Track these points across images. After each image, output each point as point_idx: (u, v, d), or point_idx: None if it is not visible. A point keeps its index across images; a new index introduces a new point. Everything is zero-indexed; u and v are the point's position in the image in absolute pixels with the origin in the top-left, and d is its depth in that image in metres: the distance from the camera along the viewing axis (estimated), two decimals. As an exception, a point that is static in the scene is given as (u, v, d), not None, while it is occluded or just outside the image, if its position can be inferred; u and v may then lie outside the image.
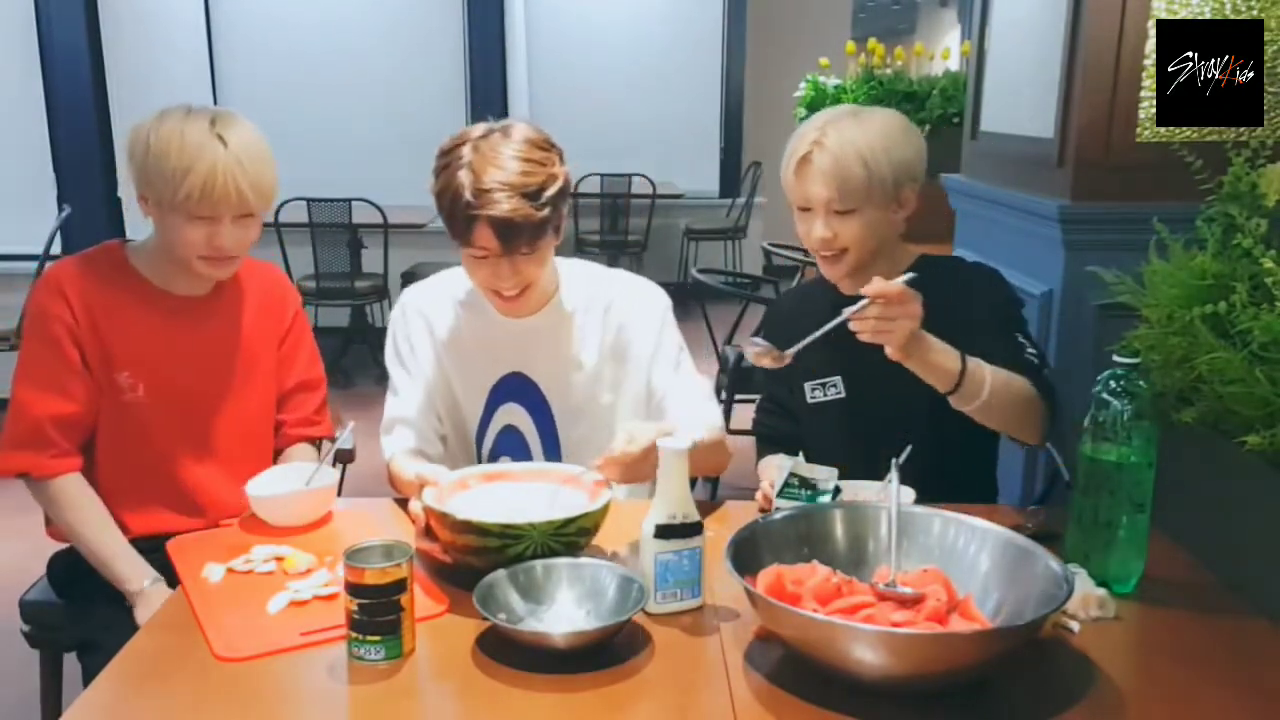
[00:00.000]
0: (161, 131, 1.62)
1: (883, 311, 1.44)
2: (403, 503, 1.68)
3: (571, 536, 1.37)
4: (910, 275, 1.49)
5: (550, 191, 1.60)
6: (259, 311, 1.84)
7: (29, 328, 1.72)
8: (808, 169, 1.66)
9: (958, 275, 1.78)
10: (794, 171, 1.69)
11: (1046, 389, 1.63)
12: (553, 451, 1.80)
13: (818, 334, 1.50)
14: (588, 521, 1.38)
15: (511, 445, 1.80)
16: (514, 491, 1.49)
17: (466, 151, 1.59)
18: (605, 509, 1.41)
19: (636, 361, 1.78)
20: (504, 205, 1.54)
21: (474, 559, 1.35)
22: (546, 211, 1.59)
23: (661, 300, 1.82)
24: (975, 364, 1.54)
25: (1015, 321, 1.72)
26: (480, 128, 1.63)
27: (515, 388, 1.78)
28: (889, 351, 1.48)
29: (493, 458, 1.81)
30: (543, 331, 1.77)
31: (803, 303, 1.89)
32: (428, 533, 1.42)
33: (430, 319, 1.78)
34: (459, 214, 1.57)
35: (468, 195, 1.55)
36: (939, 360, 1.52)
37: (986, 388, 1.54)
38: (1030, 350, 1.67)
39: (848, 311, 1.47)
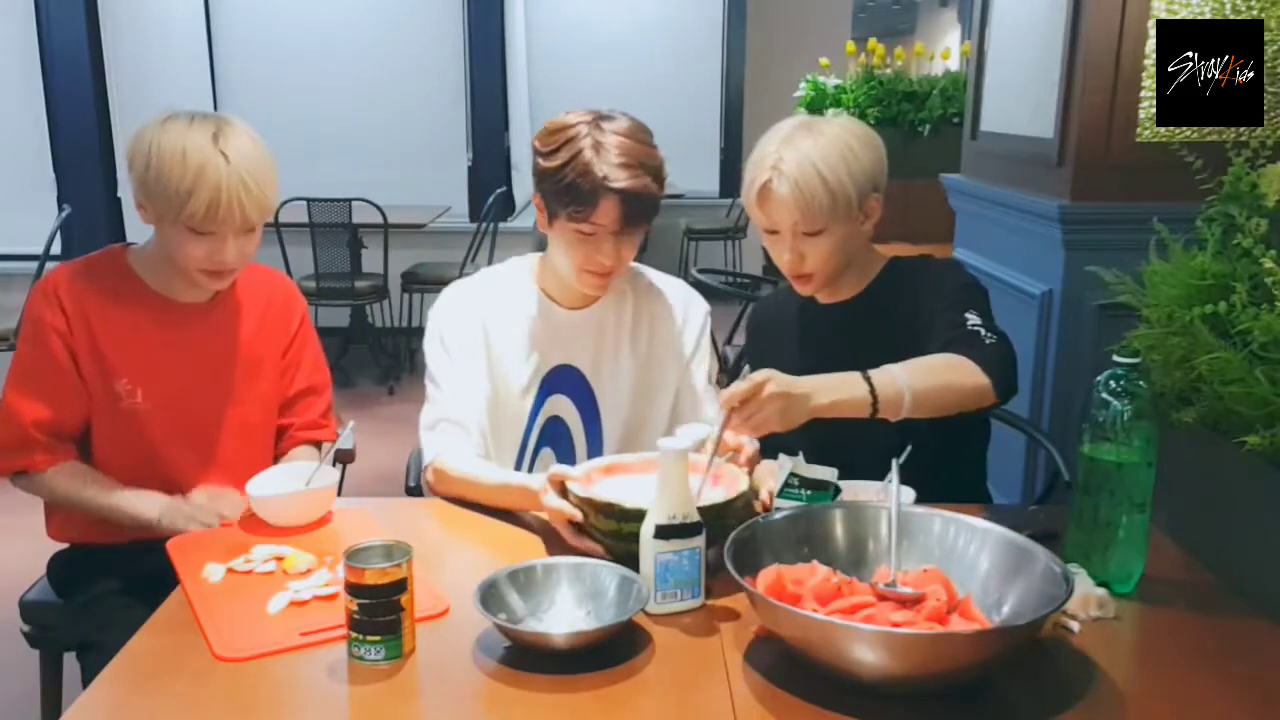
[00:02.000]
0: (164, 148, 1.60)
1: (742, 414, 1.39)
2: (411, 498, 1.68)
3: (727, 521, 1.37)
4: (757, 375, 1.40)
5: (664, 174, 1.70)
6: (262, 318, 1.84)
7: (24, 332, 1.72)
8: (769, 195, 1.64)
9: (920, 275, 1.75)
10: (755, 200, 1.67)
11: (987, 353, 1.55)
12: (596, 443, 1.83)
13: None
14: (740, 501, 1.43)
15: (556, 437, 1.83)
16: (639, 482, 1.49)
17: (584, 130, 1.64)
18: (751, 487, 1.48)
19: (676, 359, 1.84)
20: (634, 180, 1.62)
21: (637, 548, 1.34)
22: (662, 192, 1.68)
23: (703, 306, 1.89)
24: (885, 379, 1.46)
25: (966, 300, 1.66)
26: (583, 113, 1.68)
27: (563, 379, 1.81)
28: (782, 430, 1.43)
29: (537, 450, 1.84)
30: (592, 323, 1.81)
31: (777, 310, 1.90)
32: (580, 531, 1.45)
33: (482, 316, 1.80)
34: (587, 186, 1.62)
35: (602, 169, 1.61)
36: (839, 399, 1.44)
37: (907, 394, 1.46)
38: (975, 321, 1.61)
39: (710, 445, 1.41)
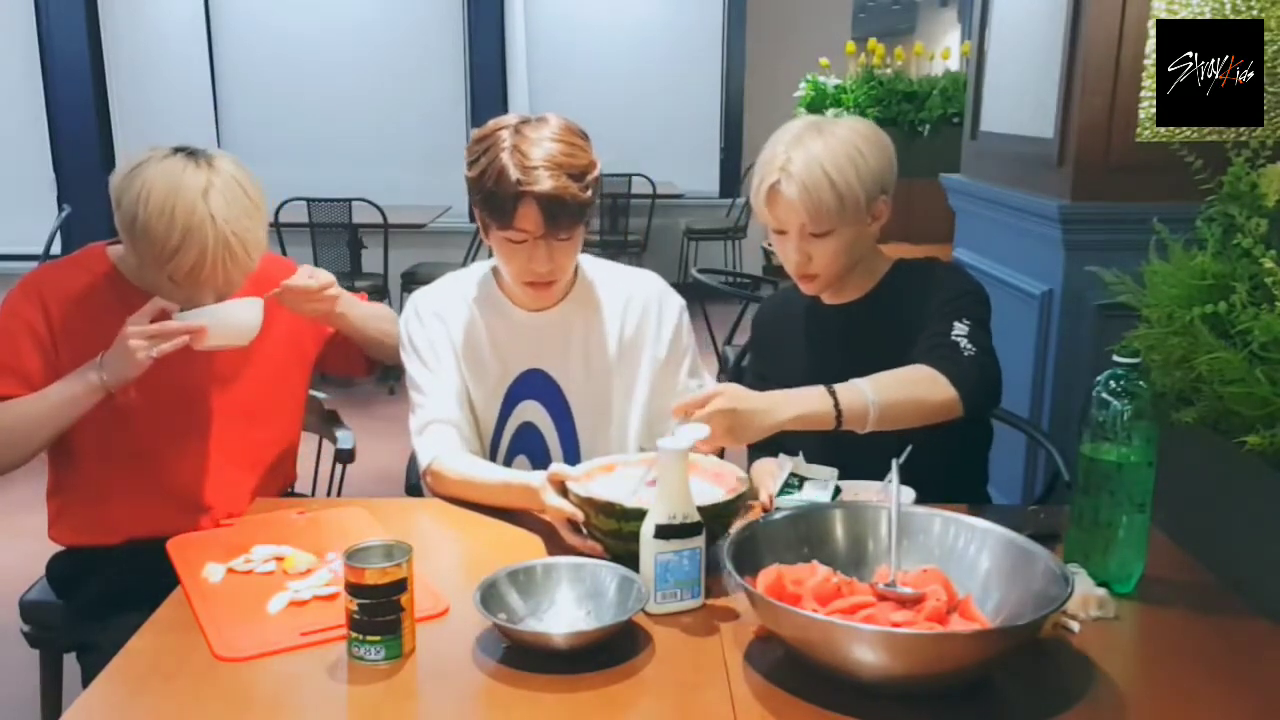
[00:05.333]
0: (152, 203, 1.58)
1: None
2: (411, 498, 1.68)
3: (728, 518, 1.42)
4: (711, 387, 1.43)
5: (591, 176, 1.66)
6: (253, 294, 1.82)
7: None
8: (777, 197, 1.63)
9: (925, 278, 1.74)
10: (764, 200, 1.66)
11: (961, 367, 1.54)
12: (570, 447, 1.81)
13: None
14: (740, 502, 1.44)
15: (529, 443, 1.81)
16: (636, 476, 1.49)
17: (506, 135, 1.63)
18: (752, 487, 1.51)
19: (651, 358, 1.81)
20: (551, 183, 1.59)
21: (637, 547, 1.33)
22: (589, 194, 1.64)
23: (678, 300, 1.85)
24: (850, 394, 1.45)
25: (960, 309, 1.64)
26: (514, 117, 1.67)
27: (533, 384, 1.80)
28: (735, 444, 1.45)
29: (509, 456, 1.82)
30: (560, 326, 1.79)
31: (783, 308, 1.89)
32: (579, 530, 1.45)
33: (446, 320, 1.79)
34: (504, 193, 1.60)
35: (515, 173, 1.59)
36: (803, 413, 1.44)
37: (872, 410, 1.45)
38: (960, 332, 1.59)
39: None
